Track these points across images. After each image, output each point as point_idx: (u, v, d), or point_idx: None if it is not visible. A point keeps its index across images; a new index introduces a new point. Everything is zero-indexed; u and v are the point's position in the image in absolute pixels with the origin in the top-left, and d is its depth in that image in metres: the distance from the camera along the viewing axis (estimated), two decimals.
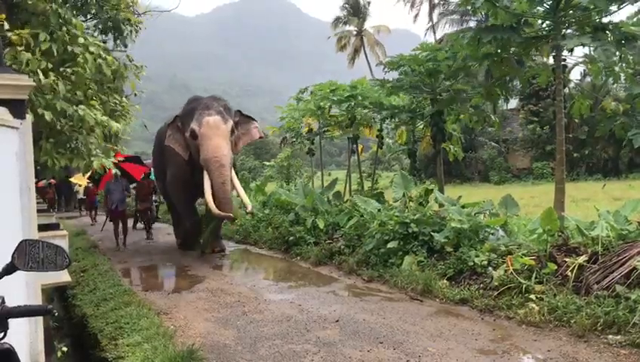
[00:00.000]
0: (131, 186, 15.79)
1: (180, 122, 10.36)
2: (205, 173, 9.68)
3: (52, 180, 24.36)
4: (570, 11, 7.89)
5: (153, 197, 15.82)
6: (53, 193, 25.93)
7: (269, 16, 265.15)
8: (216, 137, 9.63)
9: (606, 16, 7.76)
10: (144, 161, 16.68)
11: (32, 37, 5.53)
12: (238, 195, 10.36)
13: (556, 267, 6.12)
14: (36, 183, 24.10)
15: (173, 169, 11.02)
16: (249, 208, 10.64)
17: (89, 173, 16.97)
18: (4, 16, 5.48)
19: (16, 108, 3.72)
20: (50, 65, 5.67)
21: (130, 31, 8.46)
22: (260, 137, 11.51)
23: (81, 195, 24.10)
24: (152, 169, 14.18)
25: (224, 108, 10.23)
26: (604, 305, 5.19)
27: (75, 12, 7.13)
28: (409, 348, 5.00)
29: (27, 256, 1.84)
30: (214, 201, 9.62)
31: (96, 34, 8.17)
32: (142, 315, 6.08)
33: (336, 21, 45.63)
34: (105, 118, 6.71)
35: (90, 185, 20.38)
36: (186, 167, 10.43)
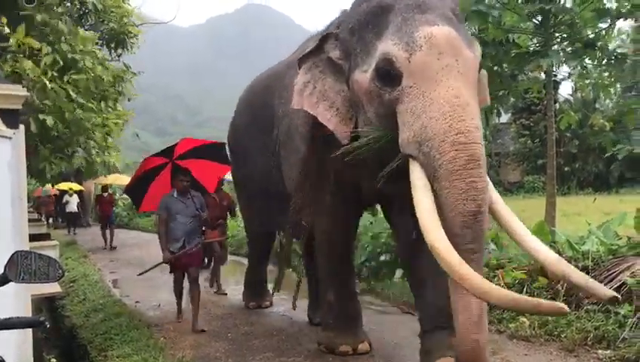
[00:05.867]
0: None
1: (340, 48, 4.13)
2: (417, 175, 3.44)
3: (52, 189, 21.04)
4: (563, 27, 8.00)
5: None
6: (54, 204, 22.33)
7: (262, 28, 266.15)
8: (453, 78, 3.38)
9: (597, 32, 7.87)
10: None
11: (34, 45, 5.56)
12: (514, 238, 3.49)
13: (547, 281, 6.15)
14: (32, 193, 23.38)
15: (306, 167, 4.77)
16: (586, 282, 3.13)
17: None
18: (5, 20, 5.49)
19: (10, 117, 3.72)
20: (55, 74, 5.72)
21: (132, 45, 8.48)
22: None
23: (73, 208, 19.15)
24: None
25: (454, 14, 3.76)
26: (594, 319, 5.23)
27: (74, 23, 7.15)
28: (400, 361, 5.00)
29: (19, 267, 1.83)
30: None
31: (97, 46, 8.18)
32: (132, 327, 6.05)
33: None
34: (105, 121, 6.74)
35: (105, 194, 15.62)
36: (335, 163, 4.24)
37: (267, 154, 5.66)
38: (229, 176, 8.44)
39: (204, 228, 6.76)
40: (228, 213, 8.59)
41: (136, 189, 6.93)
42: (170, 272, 6.53)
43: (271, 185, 5.73)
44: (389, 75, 3.57)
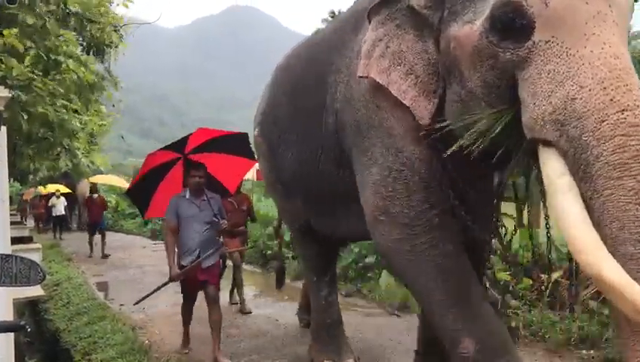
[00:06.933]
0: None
1: None
2: (557, 169, 2.17)
3: (42, 191, 19.79)
4: None
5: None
6: (44, 208, 20.08)
7: (248, 30, 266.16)
8: (609, 30, 2.19)
9: None
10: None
11: (19, 43, 5.52)
12: None
13: (532, 282, 6.20)
14: (24, 195, 22.85)
15: (391, 160, 2.97)
16: None
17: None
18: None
19: None
20: (39, 73, 5.68)
21: (111, 54, 8.44)
22: None
23: (60, 211, 17.69)
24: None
25: None
26: (577, 320, 5.28)
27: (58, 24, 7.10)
28: None
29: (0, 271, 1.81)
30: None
31: (79, 50, 8.11)
32: (116, 330, 5.99)
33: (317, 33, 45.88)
34: (87, 119, 6.74)
35: (95, 196, 13.53)
36: (427, 154, 2.87)
37: (315, 148, 3.89)
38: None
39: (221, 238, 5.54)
40: (248, 216, 7.42)
41: (141, 191, 5.44)
42: (182, 292, 5.29)
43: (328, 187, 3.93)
44: (512, 25, 2.36)
